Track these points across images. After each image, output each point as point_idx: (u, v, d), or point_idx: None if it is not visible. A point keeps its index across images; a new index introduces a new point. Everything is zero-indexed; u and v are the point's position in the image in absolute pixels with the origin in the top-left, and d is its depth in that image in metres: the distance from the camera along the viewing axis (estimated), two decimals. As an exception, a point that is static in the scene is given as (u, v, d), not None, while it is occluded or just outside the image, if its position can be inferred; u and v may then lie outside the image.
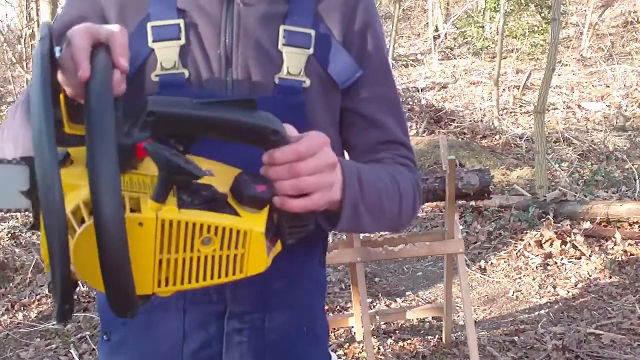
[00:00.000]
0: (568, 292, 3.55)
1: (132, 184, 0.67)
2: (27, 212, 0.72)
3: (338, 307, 3.48)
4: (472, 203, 4.53)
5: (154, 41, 0.89)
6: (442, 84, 8.50)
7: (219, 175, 0.72)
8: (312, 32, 0.92)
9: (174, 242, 0.66)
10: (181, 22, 0.90)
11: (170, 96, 0.75)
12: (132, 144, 0.66)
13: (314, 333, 1.03)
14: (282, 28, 0.91)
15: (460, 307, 3.19)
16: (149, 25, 0.90)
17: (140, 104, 0.69)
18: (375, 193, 0.88)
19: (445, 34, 10.86)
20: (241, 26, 0.91)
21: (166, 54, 0.89)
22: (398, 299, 3.61)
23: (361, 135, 1.00)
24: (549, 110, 6.86)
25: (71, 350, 3.13)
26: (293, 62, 0.91)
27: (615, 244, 3.96)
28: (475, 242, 4.27)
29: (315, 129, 0.86)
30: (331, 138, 0.91)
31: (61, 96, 0.72)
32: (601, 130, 6.49)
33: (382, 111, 1.00)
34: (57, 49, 0.72)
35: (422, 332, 3.18)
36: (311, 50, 0.92)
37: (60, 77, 0.73)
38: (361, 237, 2.66)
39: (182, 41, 0.89)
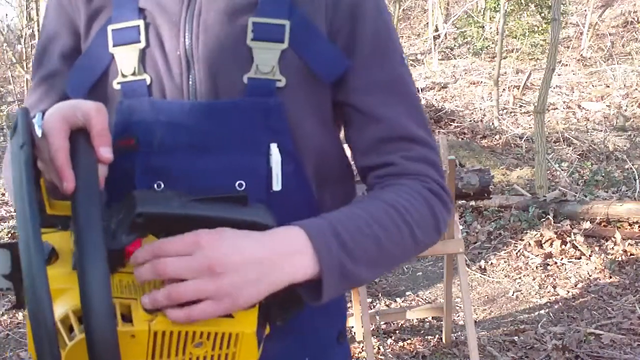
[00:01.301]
0: (568, 292, 3.55)
1: (122, 287, 0.65)
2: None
3: (338, 307, 3.48)
4: (472, 203, 4.53)
5: (114, 46, 0.82)
6: (442, 84, 8.50)
7: None
8: (287, 23, 0.80)
9: (166, 350, 0.64)
10: (141, 22, 0.82)
11: (156, 192, 0.70)
12: (121, 248, 0.64)
13: None
14: (250, 20, 0.80)
15: (460, 307, 3.19)
16: (109, 28, 0.83)
17: (125, 194, 0.67)
18: (367, 241, 0.73)
19: (445, 34, 10.85)
20: (201, 23, 0.81)
21: (126, 59, 0.82)
22: (398, 299, 3.61)
23: (360, 132, 0.86)
24: (549, 110, 6.86)
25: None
26: (264, 59, 0.80)
27: (615, 244, 3.97)
28: (475, 242, 4.26)
29: (300, 133, 0.81)
30: (321, 143, 0.85)
31: (42, 180, 0.68)
32: (601, 130, 6.48)
33: (382, 102, 0.85)
34: (37, 127, 0.67)
35: (422, 332, 3.18)
36: (285, 44, 0.80)
37: (39, 164, 0.68)
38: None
39: (142, 44, 0.81)
